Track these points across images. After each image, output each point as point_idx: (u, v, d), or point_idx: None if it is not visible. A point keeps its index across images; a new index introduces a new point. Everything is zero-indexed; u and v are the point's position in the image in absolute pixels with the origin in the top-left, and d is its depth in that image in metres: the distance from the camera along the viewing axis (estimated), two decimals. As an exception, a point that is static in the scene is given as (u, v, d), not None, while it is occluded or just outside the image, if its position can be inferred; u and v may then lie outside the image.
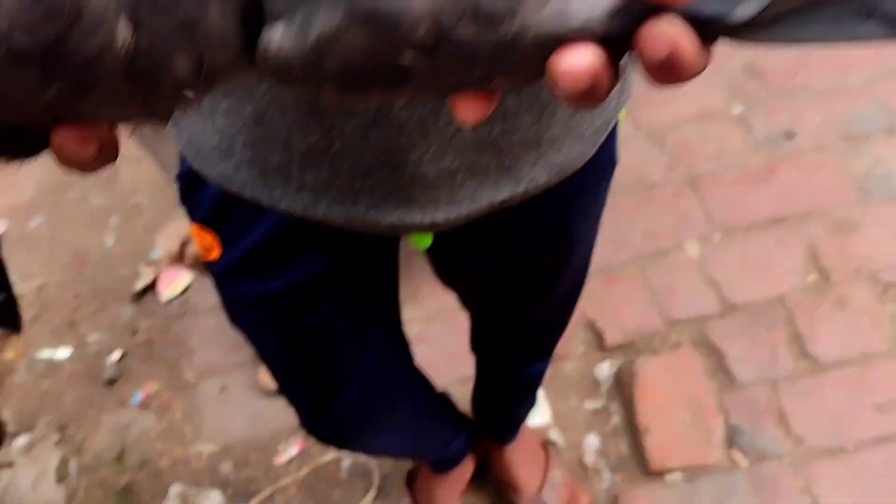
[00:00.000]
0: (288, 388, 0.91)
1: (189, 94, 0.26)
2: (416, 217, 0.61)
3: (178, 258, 1.79)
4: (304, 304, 0.76)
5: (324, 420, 0.92)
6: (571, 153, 0.64)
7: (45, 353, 1.73)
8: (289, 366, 0.86)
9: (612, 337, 1.59)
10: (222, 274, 0.76)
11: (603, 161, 0.73)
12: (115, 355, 1.70)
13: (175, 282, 1.78)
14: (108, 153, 0.26)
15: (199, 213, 0.71)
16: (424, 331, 1.64)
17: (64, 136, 0.26)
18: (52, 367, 1.71)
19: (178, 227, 1.79)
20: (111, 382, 1.67)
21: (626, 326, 1.60)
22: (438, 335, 1.64)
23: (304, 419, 0.94)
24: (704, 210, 1.74)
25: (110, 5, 0.23)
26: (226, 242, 0.72)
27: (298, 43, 0.25)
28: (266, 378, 1.60)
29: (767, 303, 1.59)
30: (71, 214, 2.01)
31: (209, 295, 1.76)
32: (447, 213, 0.62)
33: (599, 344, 1.59)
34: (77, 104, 0.25)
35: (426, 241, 0.73)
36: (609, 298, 1.64)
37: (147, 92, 0.25)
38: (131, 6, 0.23)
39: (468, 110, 0.28)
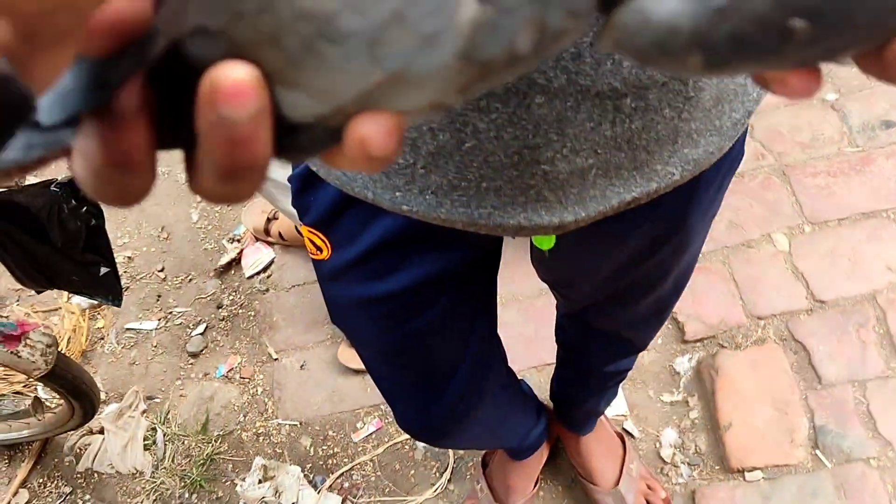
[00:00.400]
0: (388, 385, 0.91)
1: (516, 70, 0.23)
2: (544, 218, 0.59)
3: (262, 235, 1.82)
4: (413, 306, 0.75)
5: (424, 417, 0.91)
6: (709, 148, 0.61)
7: (133, 324, 1.79)
8: (392, 365, 0.85)
9: (692, 329, 1.56)
10: (331, 274, 0.75)
11: (732, 155, 0.70)
12: (200, 328, 1.75)
13: (258, 258, 1.82)
14: (399, 147, 0.24)
15: (313, 216, 0.71)
16: (499, 316, 1.63)
17: (372, 128, 0.23)
18: (140, 337, 1.77)
19: (263, 205, 1.82)
20: (196, 354, 1.72)
21: (708, 319, 1.57)
22: (513, 321, 1.64)
23: (402, 417, 0.94)
24: (794, 201, 1.69)
25: None
26: (337, 244, 0.71)
27: (697, 9, 0.22)
28: (345, 356, 1.62)
29: (858, 300, 1.54)
30: (158, 190, 2.06)
31: (291, 272, 1.80)
32: (575, 213, 0.59)
33: (679, 336, 1.57)
34: (403, 90, 0.22)
35: (549, 241, 0.71)
36: (691, 289, 1.60)
37: (478, 72, 0.22)
38: None
39: (803, 85, 0.24)
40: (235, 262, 1.85)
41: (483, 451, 1.48)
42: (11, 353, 1.13)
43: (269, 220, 1.81)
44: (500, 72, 0.23)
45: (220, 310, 1.78)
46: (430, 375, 0.85)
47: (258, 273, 1.82)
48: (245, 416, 1.62)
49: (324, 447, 1.56)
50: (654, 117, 0.55)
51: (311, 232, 0.72)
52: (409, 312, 0.76)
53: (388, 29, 0.21)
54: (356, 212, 0.67)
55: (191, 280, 1.85)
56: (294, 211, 0.75)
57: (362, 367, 1.60)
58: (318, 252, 0.73)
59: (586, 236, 0.67)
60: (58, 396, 1.41)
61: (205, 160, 0.23)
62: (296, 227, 1.75)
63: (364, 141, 0.23)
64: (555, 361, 1.27)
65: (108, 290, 1.12)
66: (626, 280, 0.82)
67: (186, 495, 1.53)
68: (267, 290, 1.79)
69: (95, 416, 1.55)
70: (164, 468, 1.57)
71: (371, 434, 1.56)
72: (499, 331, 0.99)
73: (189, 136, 0.24)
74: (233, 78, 0.21)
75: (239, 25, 0.22)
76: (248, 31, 0.22)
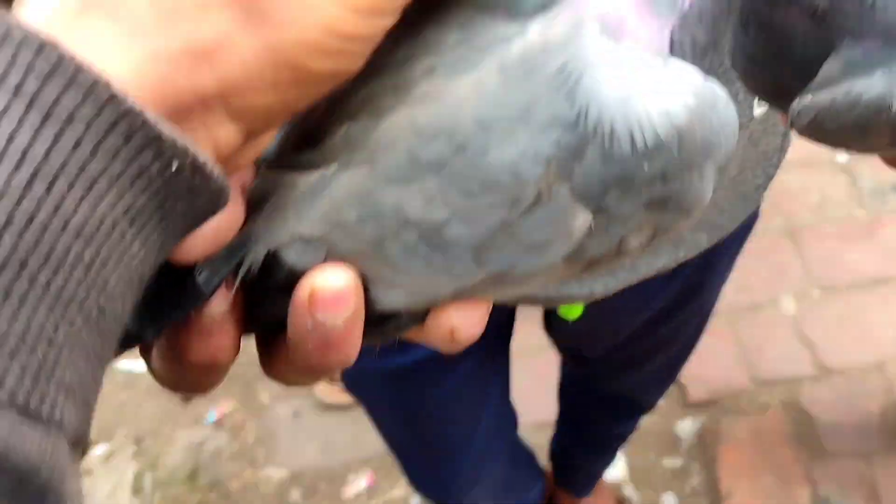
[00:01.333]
0: (404, 450, 0.91)
1: (626, 259, 0.24)
2: (574, 289, 0.60)
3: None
4: (433, 375, 0.75)
5: (439, 481, 0.92)
6: (734, 213, 0.62)
7: (125, 364, 1.76)
8: (409, 433, 0.86)
9: (695, 393, 1.53)
10: None
11: (751, 218, 0.71)
12: (194, 371, 1.72)
13: (255, 301, 1.80)
14: (483, 328, 0.24)
15: None
16: (501, 370, 1.61)
17: (463, 318, 0.23)
18: (131, 378, 1.74)
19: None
20: (187, 398, 1.68)
21: (712, 383, 1.54)
22: (512, 378, 1.60)
23: (416, 479, 0.94)
24: (803, 264, 1.67)
25: (566, 192, 0.20)
26: None
27: None
28: (324, 392, 1.59)
29: (865, 369, 1.51)
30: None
31: (288, 317, 1.77)
32: (605, 283, 0.60)
33: (682, 399, 1.53)
34: (503, 286, 0.23)
35: (576, 310, 0.72)
36: (695, 352, 1.57)
37: (583, 266, 0.23)
38: (591, 193, 0.20)
39: None
40: (233, 304, 1.83)
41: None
42: None
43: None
44: (608, 263, 0.23)
45: (216, 353, 1.75)
46: (446, 440, 0.86)
47: (256, 316, 1.80)
48: (235, 465, 1.58)
49: (313, 500, 1.52)
50: None
51: None
52: (428, 382, 0.76)
53: (496, 237, 0.21)
54: None
55: (187, 321, 1.83)
56: None
57: (340, 402, 1.57)
58: None
59: (611, 303, 0.68)
60: (43, 440, 1.38)
61: (294, 358, 0.23)
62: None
63: (454, 330, 0.23)
64: (554, 420, 1.25)
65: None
66: (641, 343, 0.83)
67: (171, 545, 1.50)
68: (264, 334, 1.77)
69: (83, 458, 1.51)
70: (150, 516, 1.53)
71: (363, 490, 1.52)
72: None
73: (272, 323, 0.23)
74: (332, 286, 0.21)
75: (339, 234, 0.21)
76: (348, 240, 0.21)
